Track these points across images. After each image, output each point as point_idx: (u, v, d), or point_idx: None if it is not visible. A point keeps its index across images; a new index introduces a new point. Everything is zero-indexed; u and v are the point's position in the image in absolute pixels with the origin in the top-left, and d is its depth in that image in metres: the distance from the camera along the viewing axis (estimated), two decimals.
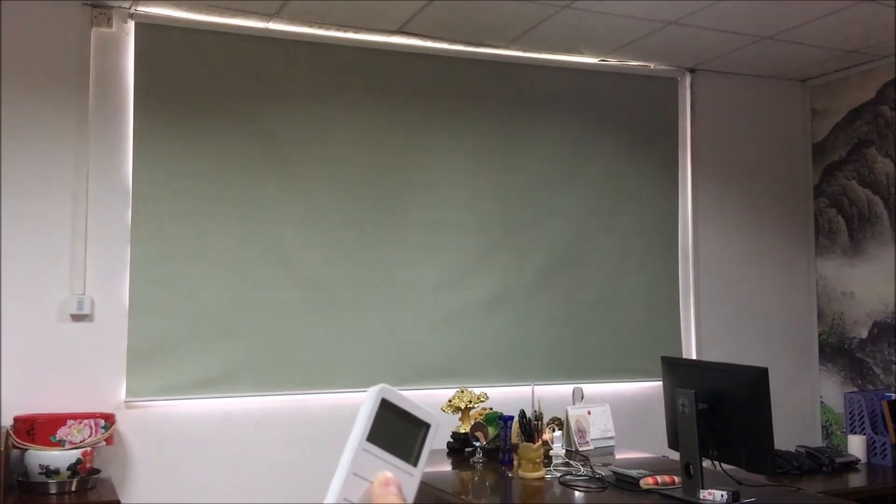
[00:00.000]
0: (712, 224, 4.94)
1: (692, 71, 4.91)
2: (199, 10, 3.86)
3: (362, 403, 0.67)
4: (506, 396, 4.27)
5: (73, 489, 3.33)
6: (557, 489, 2.94)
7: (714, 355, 4.86)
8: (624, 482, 2.96)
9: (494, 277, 4.41)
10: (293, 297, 4.03)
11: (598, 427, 3.70)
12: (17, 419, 3.42)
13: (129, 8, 3.81)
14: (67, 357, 3.67)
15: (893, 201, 4.65)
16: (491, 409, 3.69)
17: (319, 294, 4.07)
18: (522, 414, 3.26)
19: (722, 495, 2.64)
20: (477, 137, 4.42)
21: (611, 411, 3.79)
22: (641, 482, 2.89)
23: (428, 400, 4.11)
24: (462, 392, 3.64)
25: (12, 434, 3.37)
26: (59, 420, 3.42)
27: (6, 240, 3.61)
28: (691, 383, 2.83)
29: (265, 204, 4.00)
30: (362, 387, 4.09)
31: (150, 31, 3.86)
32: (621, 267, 4.69)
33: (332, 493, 0.64)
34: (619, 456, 3.53)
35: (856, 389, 4.77)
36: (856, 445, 3.94)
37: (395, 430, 0.67)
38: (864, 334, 4.77)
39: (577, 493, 2.88)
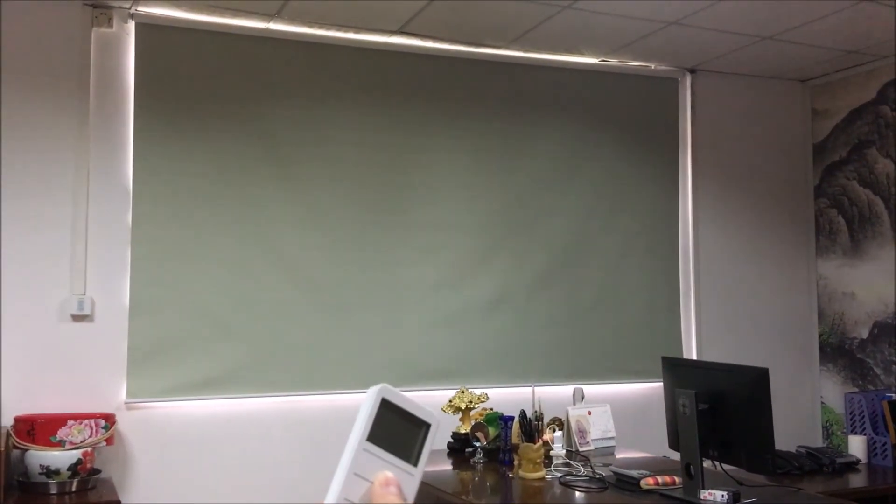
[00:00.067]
0: (712, 224, 4.94)
1: (692, 71, 4.91)
2: (200, 11, 3.86)
3: (362, 403, 0.67)
4: (506, 397, 4.28)
5: (74, 489, 3.33)
6: (558, 489, 2.94)
7: (714, 355, 4.86)
8: (624, 482, 2.96)
9: (494, 278, 4.41)
10: (293, 297, 4.03)
11: (598, 427, 3.70)
12: (17, 419, 3.42)
13: (130, 8, 3.81)
14: (68, 357, 3.67)
15: (894, 202, 4.65)
16: (491, 409, 3.68)
17: (319, 294, 4.07)
18: (523, 414, 3.26)
19: (722, 496, 2.64)
20: (477, 137, 4.42)
21: (611, 412, 3.78)
22: (642, 482, 2.88)
23: (428, 400, 4.11)
24: (462, 392, 3.64)
25: (13, 434, 3.37)
26: (59, 420, 3.42)
27: (6, 240, 3.61)
28: (692, 384, 2.83)
29: (265, 204, 4.00)
30: (362, 387, 4.09)
31: (151, 32, 3.86)
32: (621, 267, 4.69)
33: (333, 493, 0.64)
34: (619, 456, 3.53)
35: (856, 390, 4.77)
36: (856, 446, 3.93)
37: (396, 430, 0.67)
38: (865, 334, 4.77)
39: (577, 494, 2.87)
